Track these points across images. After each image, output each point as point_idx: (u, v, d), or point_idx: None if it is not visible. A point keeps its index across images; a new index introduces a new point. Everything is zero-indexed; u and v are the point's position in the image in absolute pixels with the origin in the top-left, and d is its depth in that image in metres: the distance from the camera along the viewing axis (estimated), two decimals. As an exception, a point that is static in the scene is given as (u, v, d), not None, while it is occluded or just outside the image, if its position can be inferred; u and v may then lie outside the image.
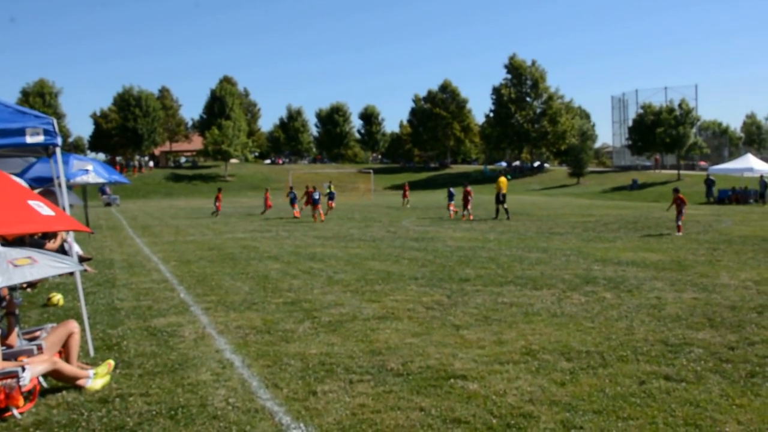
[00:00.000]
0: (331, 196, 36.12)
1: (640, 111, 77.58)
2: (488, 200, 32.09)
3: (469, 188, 29.79)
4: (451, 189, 33.01)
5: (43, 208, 5.56)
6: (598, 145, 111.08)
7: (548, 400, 5.39)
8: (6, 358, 5.62)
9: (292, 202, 33.86)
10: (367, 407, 5.35)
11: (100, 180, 19.10)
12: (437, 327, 8.12)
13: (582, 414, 5.08)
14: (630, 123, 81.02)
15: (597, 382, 5.83)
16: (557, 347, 7.03)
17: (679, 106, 73.09)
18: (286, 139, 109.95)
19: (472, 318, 8.58)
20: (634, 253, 15.25)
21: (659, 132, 70.78)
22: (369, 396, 5.61)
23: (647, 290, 10.35)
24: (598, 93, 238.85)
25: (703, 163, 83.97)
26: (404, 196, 44.51)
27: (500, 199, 28.75)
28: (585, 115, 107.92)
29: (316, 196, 30.31)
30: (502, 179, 29.45)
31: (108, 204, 54.64)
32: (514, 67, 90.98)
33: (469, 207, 29.37)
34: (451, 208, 31.79)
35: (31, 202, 5.54)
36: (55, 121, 7.41)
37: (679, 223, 20.51)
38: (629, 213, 31.98)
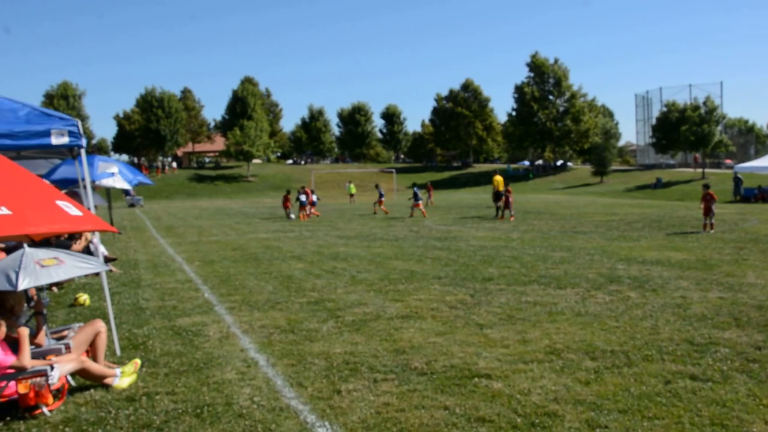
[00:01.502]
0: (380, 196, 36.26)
1: (664, 109, 76.89)
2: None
3: (509, 188, 29.15)
4: (416, 189, 32.53)
5: (70, 209, 5.63)
6: (621, 143, 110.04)
7: (573, 399, 5.37)
8: (35, 357, 5.71)
9: (313, 204, 34.09)
10: (391, 406, 5.36)
11: (125, 185, 19.30)
12: (461, 326, 8.11)
13: (607, 413, 5.05)
14: (654, 121, 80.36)
15: (622, 382, 5.79)
16: (582, 346, 6.99)
17: (704, 103, 72.36)
18: (308, 139, 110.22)
19: (496, 317, 8.56)
20: (659, 252, 15.11)
21: (683, 130, 70.10)
22: (393, 395, 5.62)
23: (672, 289, 10.25)
24: (622, 91, 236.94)
25: (728, 162, 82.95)
26: (428, 195, 45.00)
27: (498, 197, 29.74)
28: (608, 114, 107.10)
29: (303, 198, 32.23)
30: (498, 177, 30.32)
31: (132, 205, 55.15)
32: (536, 66, 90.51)
33: (512, 208, 28.65)
34: (420, 207, 31.57)
35: (59, 202, 5.61)
36: (79, 123, 7.51)
37: (712, 221, 20.27)
38: (653, 212, 31.66)
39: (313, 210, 33.80)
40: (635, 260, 13.70)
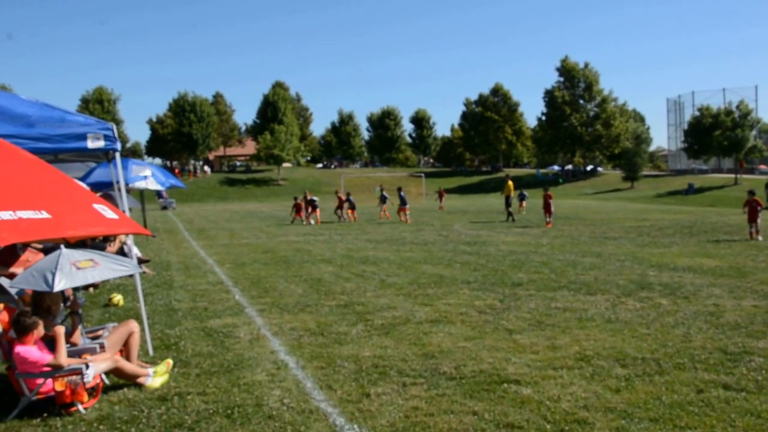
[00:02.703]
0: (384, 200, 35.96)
1: (697, 113, 75.81)
2: (540, 204, 31.79)
3: (550, 193, 27.48)
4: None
5: (107, 212, 5.75)
6: (652, 148, 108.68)
7: (603, 407, 5.33)
8: (70, 355, 5.82)
9: (352, 207, 33.63)
10: (420, 410, 5.37)
11: (158, 186, 19.58)
12: (490, 331, 8.10)
13: (638, 422, 5.00)
14: (686, 126, 79.28)
15: (653, 390, 5.73)
16: (612, 353, 6.93)
17: (738, 107, 71.14)
18: (338, 144, 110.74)
19: (525, 323, 8.52)
20: (691, 258, 14.91)
21: (716, 135, 69.00)
22: (422, 399, 5.63)
23: (705, 297, 10.11)
24: (653, 95, 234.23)
25: (763, 167, 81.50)
26: (440, 201, 44.89)
27: (509, 202, 30.11)
28: (639, 118, 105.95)
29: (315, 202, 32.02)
30: (510, 183, 30.92)
31: (165, 207, 55.89)
32: (566, 70, 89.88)
33: (551, 214, 26.81)
34: (406, 212, 31.33)
35: (96, 206, 5.73)
36: (114, 127, 7.70)
37: (753, 230, 19.70)
38: (685, 218, 31.27)
39: (351, 213, 33.39)
40: (666, 267, 13.54)
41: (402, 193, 31.97)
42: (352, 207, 33.52)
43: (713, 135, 69.49)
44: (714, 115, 71.65)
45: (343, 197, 34.35)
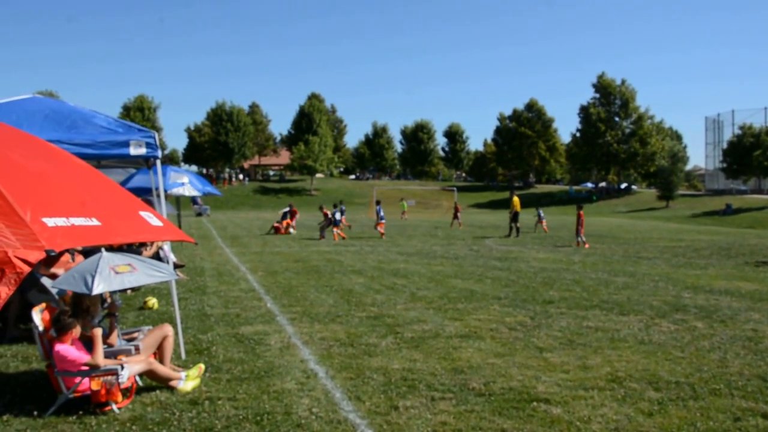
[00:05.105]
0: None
1: (738, 132, 74.69)
2: (571, 221, 31.49)
3: (581, 211, 25.48)
4: (379, 207, 30.15)
5: (152, 219, 5.87)
6: (689, 167, 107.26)
7: (635, 431, 5.26)
8: (106, 356, 5.94)
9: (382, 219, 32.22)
10: (448, 425, 5.36)
11: (195, 192, 19.86)
12: (520, 348, 8.05)
13: (670, 445, 4.93)
14: (725, 145, 78.13)
15: (687, 415, 5.63)
16: (645, 376, 6.84)
17: (780, 127, 69.96)
18: (371, 156, 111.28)
19: (556, 341, 8.45)
20: (728, 281, 14.64)
21: (757, 155, 67.85)
22: (450, 414, 5.62)
23: (742, 321, 9.91)
24: (691, 113, 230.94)
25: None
26: (455, 216, 41.88)
27: (515, 218, 29.86)
28: (676, 137, 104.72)
29: (338, 216, 29.76)
30: (516, 199, 30.25)
31: (199, 214, 56.56)
32: (602, 86, 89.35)
33: (582, 233, 24.94)
34: (380, 228, 29.82)
35: (142, 213, 5.86)
36: (156, 135, 7.87)
37: None
38: (722, 239, 30.71)
39: (379, 227, 32.22)
40: (702, 289, 13.32)
41: (379, 207, 30.49)
42: (333, 223, 29.53)
43: (753, 155, 68.38)
44: (755, 135, 70.51)
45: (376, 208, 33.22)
